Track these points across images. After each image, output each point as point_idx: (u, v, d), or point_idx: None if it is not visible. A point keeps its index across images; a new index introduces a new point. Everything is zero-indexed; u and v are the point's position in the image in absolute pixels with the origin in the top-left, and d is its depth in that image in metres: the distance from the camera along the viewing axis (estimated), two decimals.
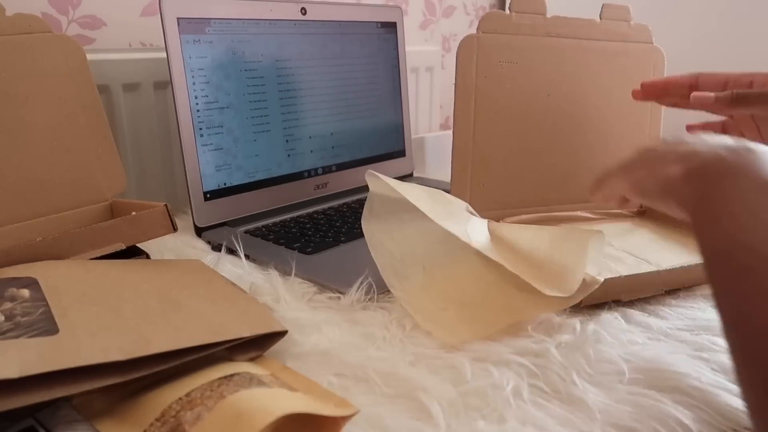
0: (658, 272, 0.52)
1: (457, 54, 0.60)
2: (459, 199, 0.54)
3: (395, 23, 0.93)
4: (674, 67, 0.71)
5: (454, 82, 0.62)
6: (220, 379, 0.38)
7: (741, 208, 0.31)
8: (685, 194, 0.35)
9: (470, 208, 0.54)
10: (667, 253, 0.61)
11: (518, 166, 0.65)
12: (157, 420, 0.35)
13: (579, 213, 0.69)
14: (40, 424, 0.37)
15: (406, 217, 0.47)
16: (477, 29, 0.62)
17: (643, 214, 0.73)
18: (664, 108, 0.72)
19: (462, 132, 0.62)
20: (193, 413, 0.34)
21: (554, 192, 0.68)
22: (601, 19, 0.68)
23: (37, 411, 0.38)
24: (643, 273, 0.52)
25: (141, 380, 0.38)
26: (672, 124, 0.72)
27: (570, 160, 0.69)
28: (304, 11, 0.80)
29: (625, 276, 0.51)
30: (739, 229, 0.30)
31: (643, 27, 0.71)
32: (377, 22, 0.90)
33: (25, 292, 0.42)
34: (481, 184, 0.63)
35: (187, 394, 0.37)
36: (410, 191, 0.49)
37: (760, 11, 1.03)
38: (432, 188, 0.52)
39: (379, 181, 0.49)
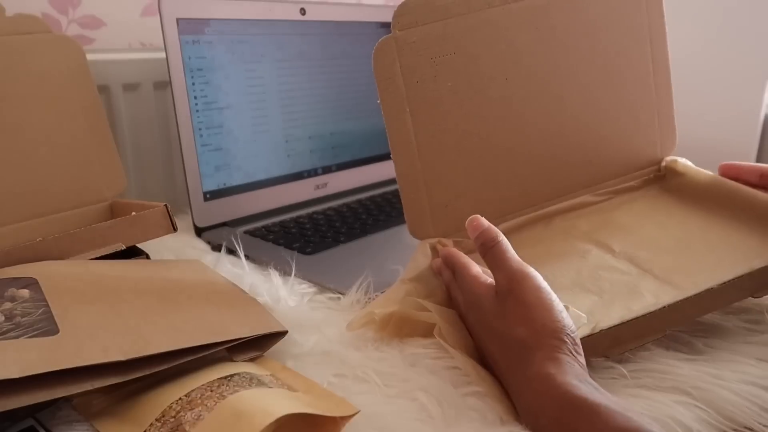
0: (661, 310, 0.43)
1: (373, 67, 0.48)
2: None
3: None
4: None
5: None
6: (220, 379, 0.38)
7: None
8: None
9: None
10: (685, 249, 0.50)
11: (489, 171, 0.54)
12: (157, 420, 0.35)
13: (584, 198, 0.59)
14: (40, 424, 0.37)
15: None
16: (392, 27, 0.48)
17: (661, 179, 0.61)
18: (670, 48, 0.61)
19: (403, 154, 0.50)
20: (193, 413, 0.34)
21: (546, 186, 0.57)
22: None
23: (38, 411, 0.38)
24: (640, 317, 0.43)
25: (141, 380, 0.38)
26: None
27: (556, 146, 0.57)
28: (303, 11, 0.80)
29: (613, 327, 0.41)
30: None
31: None
32: (377, 23, 0.90)
33: (25, 292, 0.42)
34: (444, 206, 0.52)
35: (187, 395, 0.37)
36: None
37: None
38: None
39: None
